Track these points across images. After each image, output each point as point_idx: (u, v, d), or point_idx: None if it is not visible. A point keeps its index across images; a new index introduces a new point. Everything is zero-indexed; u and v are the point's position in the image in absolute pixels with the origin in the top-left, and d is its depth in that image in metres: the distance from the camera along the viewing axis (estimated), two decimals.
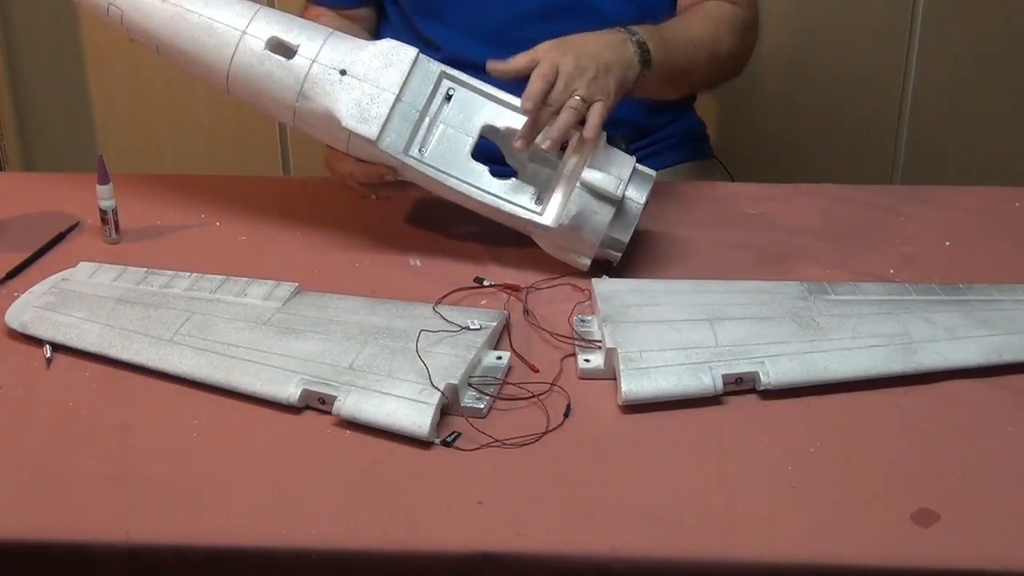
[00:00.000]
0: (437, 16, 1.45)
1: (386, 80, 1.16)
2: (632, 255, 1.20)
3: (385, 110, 1.15)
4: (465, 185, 1.17)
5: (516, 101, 1.18)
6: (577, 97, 1.15)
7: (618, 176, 1.14)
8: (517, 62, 1.19)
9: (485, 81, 1.21)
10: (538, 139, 1.16)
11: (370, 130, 1.14)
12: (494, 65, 1.19)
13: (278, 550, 0.83)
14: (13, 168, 2.30)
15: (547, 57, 1.17)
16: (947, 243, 1.27)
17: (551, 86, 1.16)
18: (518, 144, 1.16)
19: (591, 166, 1.14)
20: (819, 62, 2.13)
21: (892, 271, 1.20)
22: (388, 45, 1.18)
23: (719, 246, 1.25)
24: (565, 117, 1.14)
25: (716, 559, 0.82)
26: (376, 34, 1.51)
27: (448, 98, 1.20)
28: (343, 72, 1.16)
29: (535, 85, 1.15)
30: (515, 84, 1.19)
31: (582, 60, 1.18)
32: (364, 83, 1.16)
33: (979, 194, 1.39)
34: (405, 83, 1.16)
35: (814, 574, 0.82)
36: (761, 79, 2.14)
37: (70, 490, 0.88)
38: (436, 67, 1.19)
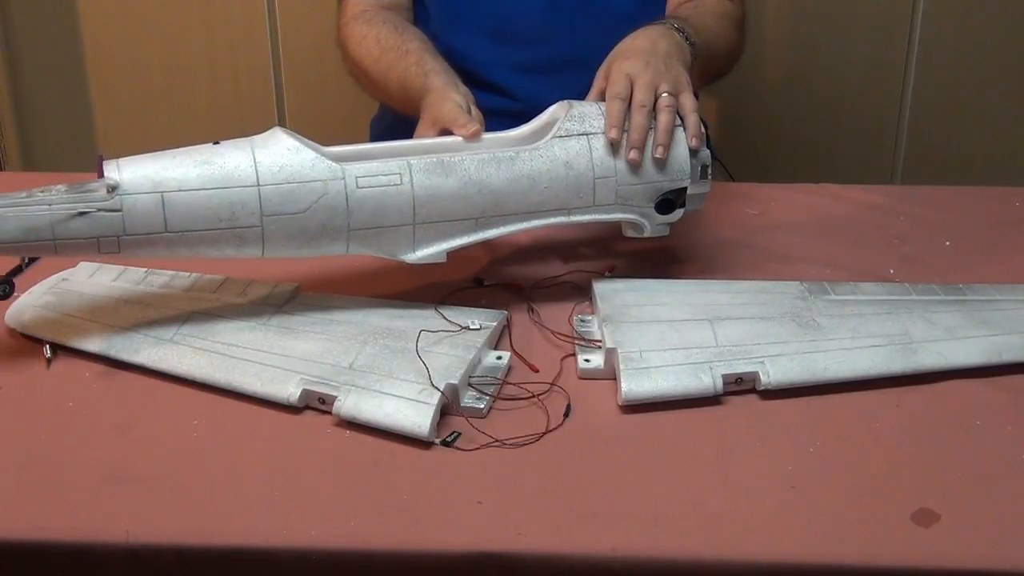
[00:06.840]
0: (445, 9, 1.45)
1: None
2: (632, 255, 1.20)
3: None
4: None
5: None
6: (665, 94, 1.10)
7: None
8: (594, 93, 1.14)
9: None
10: (655, 154, 1.08)
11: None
12: (613, 136, 1.08)
13: (278, 550, 0.83)
14: (13, 168, 2.30)
15: (614, 73, 1.12)
16: (947, 243, 1.27)
17: (628, 103, 1.10)
18: (632, 156, 1.07)
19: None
20: (819, 62, 2.13)
21: (892, 271, 1.20)
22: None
23: (719, 246, 1.25)
24: (665, 119, 1.09)
25: (716, 559, 0.82)
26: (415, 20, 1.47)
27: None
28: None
29: (613, 108, 1.09)
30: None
31: (645, 57, 1.13)
32: None
33: (979, 194, 1.39)
34: None
35: (814, 574, 0.81)
36: (761, 79, 2.14)
37: (70, 490, 0.88)
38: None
